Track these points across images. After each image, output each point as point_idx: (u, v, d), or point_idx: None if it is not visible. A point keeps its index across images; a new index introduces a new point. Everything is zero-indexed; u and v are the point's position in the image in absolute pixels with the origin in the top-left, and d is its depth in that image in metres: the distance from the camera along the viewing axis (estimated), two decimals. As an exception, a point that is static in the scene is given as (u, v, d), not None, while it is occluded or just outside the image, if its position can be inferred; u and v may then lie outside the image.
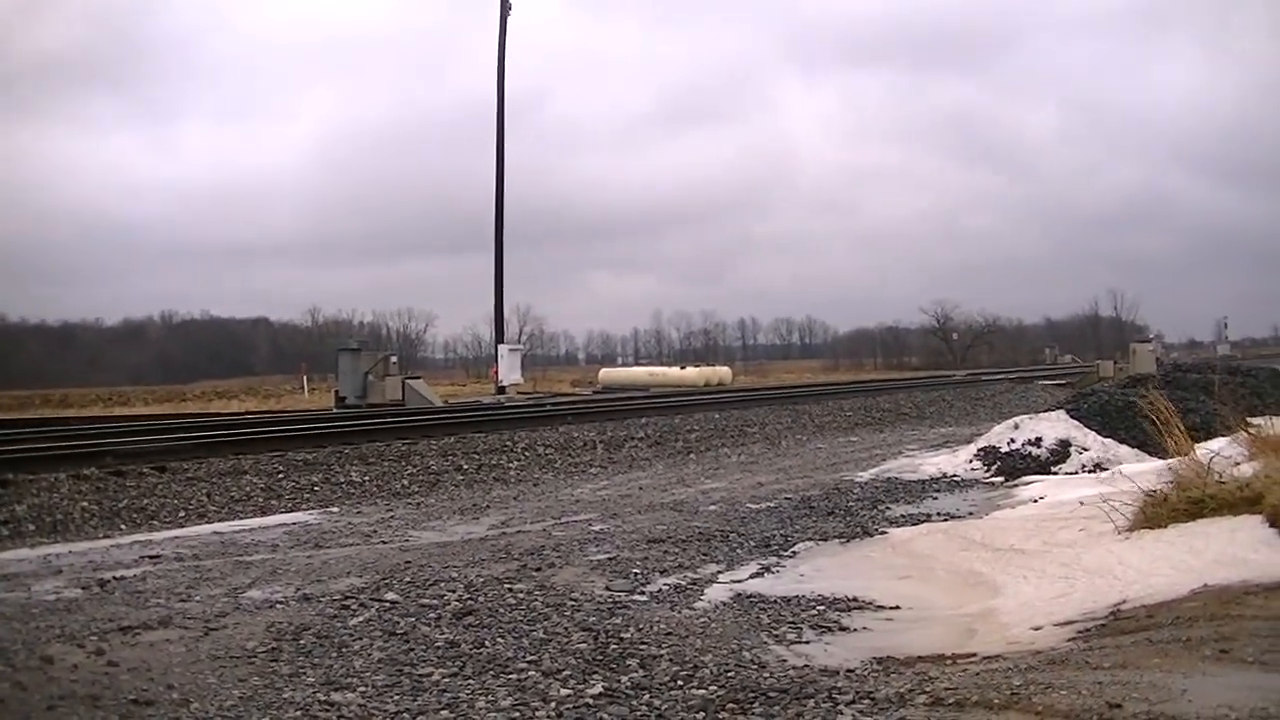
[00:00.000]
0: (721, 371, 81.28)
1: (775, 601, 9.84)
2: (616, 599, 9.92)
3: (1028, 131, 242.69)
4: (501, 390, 46.66)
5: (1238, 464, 12.28)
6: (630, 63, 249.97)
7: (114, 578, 11.28)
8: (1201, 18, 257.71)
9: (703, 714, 6.65)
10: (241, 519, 16.21)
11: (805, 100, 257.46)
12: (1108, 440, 20.05)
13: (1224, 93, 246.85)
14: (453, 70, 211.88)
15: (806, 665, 7.74)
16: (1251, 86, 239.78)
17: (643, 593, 10.26)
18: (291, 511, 16.91)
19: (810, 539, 13.10)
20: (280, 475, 18.91)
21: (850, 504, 16.04)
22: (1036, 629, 8.30)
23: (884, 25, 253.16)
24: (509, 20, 43.97)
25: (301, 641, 8.44)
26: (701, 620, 9.13)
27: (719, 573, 11.22)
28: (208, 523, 15.86)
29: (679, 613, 9.41)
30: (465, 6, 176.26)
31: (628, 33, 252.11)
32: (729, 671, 7.49)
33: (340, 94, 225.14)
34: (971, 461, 20.19)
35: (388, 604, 9.72)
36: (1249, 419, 15.43)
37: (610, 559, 11.89)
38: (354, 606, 9.64)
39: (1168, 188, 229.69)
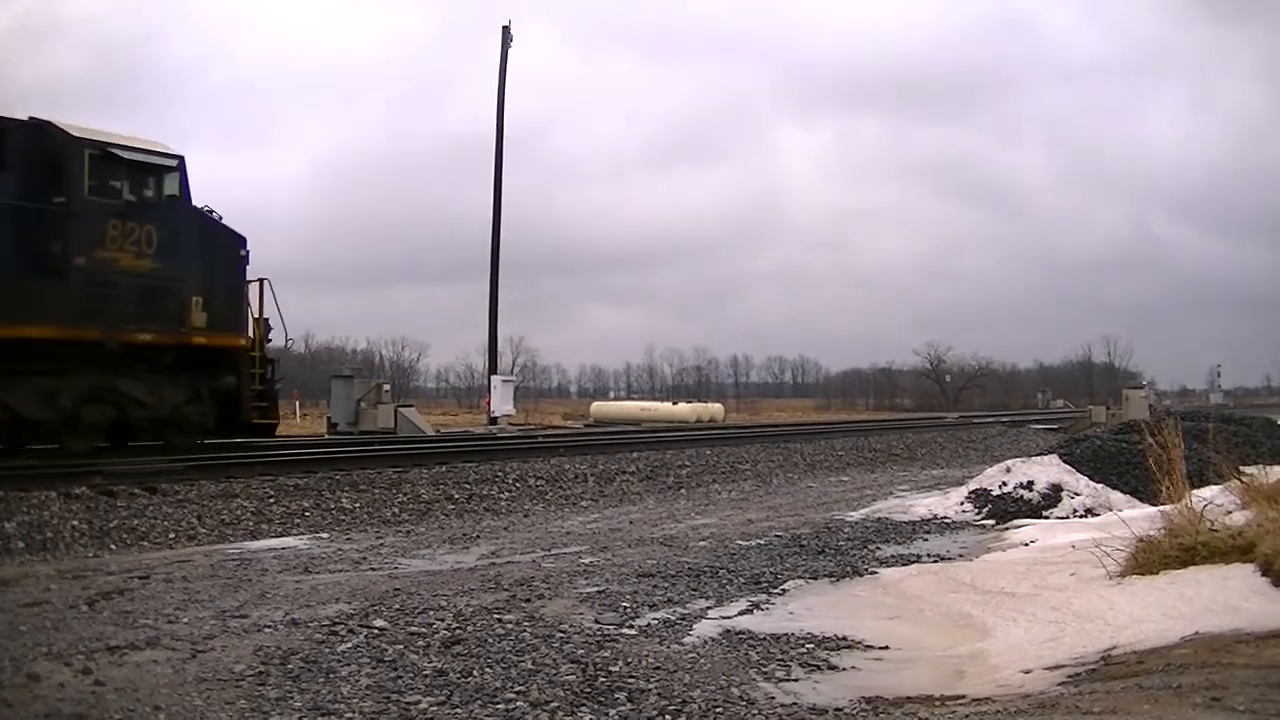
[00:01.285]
0: (714, 408, 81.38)
1: (764, 639, 9.81)
2: (605, 632, 9.89)
3: (1019, 176, 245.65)
4: (493, 421, 46.65)
5: (1230, 512, 12.29)
6: (626, 99, 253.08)
7: (102, 597, 11.26)
8: (1190, 69, 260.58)
9: (691, 749, 6.64)
10: (231, 542, 16.21)
11: (799, 139, 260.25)
12: (1100, 485, 20.04)
13: (1212, 142, 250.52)
14: (448, 102, 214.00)
15: (795, 703, 7.72)
16: (1240, 137, 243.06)
17: (632, 626, 10.23)
18: (281, 536, 16.89)
19: (800, 577, 13.07)
20: (271, 499, 18.87)
21: (841, 543, 16.02)
22: (1026, 672, 8.28)
23: (877, 68, 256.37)
24: (509, 53, 44.03)
25: (289, 666, 8.41)
26: (690, 655, 9.10)
27: (708, 608, 11.19)
28: (197, 545, 15.85)
29: (668, 647, 9.38)
30: (461, 41, 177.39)
31: (624, 70, 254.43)
32: (717, 708, 7.47)
33: (337, 123, 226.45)
34: (963, 504, 20.17)
35: (376, 631, 9.69)
36: (1242, 467, 15.43)
37: (600, 592, 11.86)
38: (342, 632, 9.62)
39: (1159, 235, 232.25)
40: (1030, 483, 20.24)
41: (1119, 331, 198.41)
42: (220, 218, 24.77)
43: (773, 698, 7.86)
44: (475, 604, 10.96)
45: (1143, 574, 10.74)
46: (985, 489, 20.55)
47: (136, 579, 12.47)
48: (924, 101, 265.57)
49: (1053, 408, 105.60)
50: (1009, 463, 22.26)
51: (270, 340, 26.19)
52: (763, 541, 16.10)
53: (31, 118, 21.98)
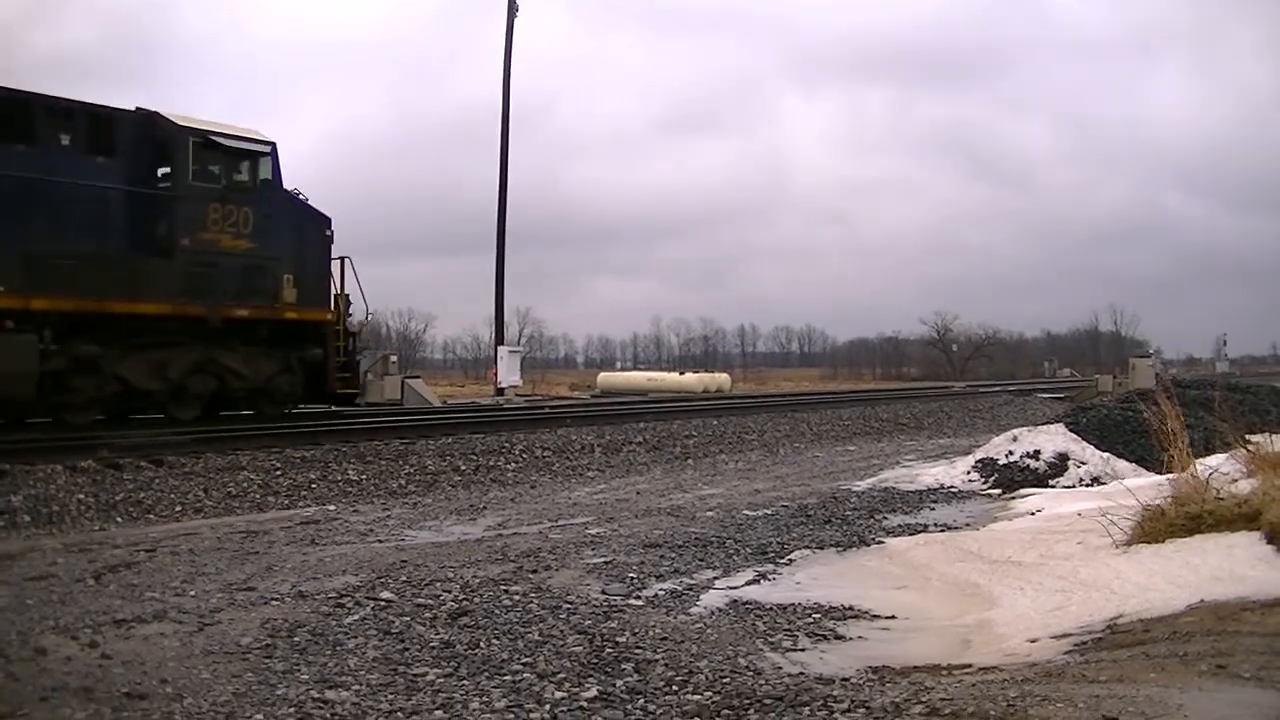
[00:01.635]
0: (720, 378, 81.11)
1: (771, 609, 9.82)
2: (612, 603, 9.89)
3: (1025, 148, 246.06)
4: (500, 392, 46.53)
5: (1236, 480, 12.25)
6: (632, 74, 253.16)
7: (109, 570, 11.27)
8: (1195, 42, 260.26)
9: (697, 719, 6.64)
10: (238, 514, 16.21)
11: (805, 112, 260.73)
12: (1106, 454, 20.04)
13: (1217, 114, 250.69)
14: (455, 76, 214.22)
15: (802, 673, 7.72)
16: (1243, 109, 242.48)
17: (639, 597, 10.24)
18: (288, 508, 16.90)
19: (807, 547, 13.07)
20: (277, 472, 18.88)
21: (847, 513, 16.02)
22: (1033, 641, 8.28)
23: (883, 42, 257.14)
24: (515, 23, 43.92)
25: (296, 638, 8.42)
26: (697, 626, 9.11)
27: (715, 579, 11.20)
28: (204, 518, 15.84)
29: (675, 618, 9.39)
30: (467, 14, 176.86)
31: (632, 44, 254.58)
32: (724, 678, 7.47)
33: (344, 95, 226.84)
34: (969, 473, 20.16)
35: (383, 603, 9.70)
36: (1248, 436, 15.40)
37: (607, 563, 11.87)
38: (349, 605, 9.62)
39: (1164, 205, 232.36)
40: (1037, 452, 20.24)
41: (1126, 301, 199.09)
42: (306, 199, 26.57)
43: (779, 668, 7.86)
44: (482, 575, 10.96)
45: (1149, 542, 10.73)
46: (992, 458, 20.54)
47: (143, 552, 12.47)
48: (929, 75, 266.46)
49: (1059, 377, 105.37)
50: (1015, 432, 22.26)
51: (351, 315, 27.97)
52: (769, 511, 16.10)
53: (138, 108, 23.91)
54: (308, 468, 19.45)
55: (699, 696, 7.05)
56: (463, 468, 21.35)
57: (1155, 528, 10.91)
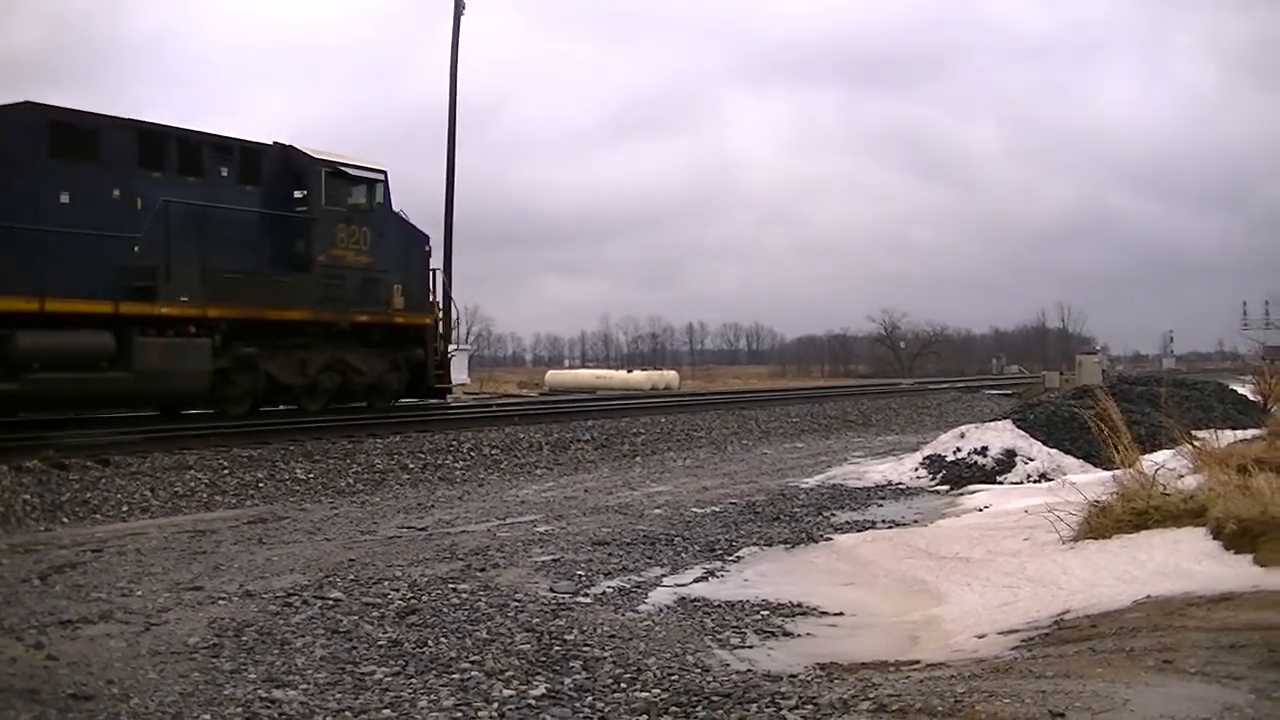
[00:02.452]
0: (669, 375, 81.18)
1: (719, 606, 9.85)
2: (560, 600, 9.91)
3: (970, 148, 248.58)
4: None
5: (1182, 476, 12.34)
6: (582, 76, 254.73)
7: (55, 570, 11.22)
8: (1137, 45, 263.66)
9: (645, 716, 6.64)
10: (185, 514, 16.14)
11: (753, 113, 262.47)
12: (1053, 450, 20.13)
13: (1161, 115, 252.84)
14: (406, 76, 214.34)
15: (750, 670, 7.74)
16: (1188, 111, 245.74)
17: (587, 595, 10.26)
18: (235, 508, 16.83)
19: (755, 544, 13.11)
20: (225, 471, 18.78)
21: (795, 510, 16.07)
22: (980, 637, 8.32)
23: (829, 44, 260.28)
24: (462, 22, 43.92)
25: (243, 638, 8.40)
26: (645, 623, 9.13)
27: (663, 576, 11.23)
28: (151, 517, 15.77)
29: (623, 615, 9.41)
30: (419, 16, 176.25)
31: (582, 47, 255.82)
32: (672, 675, 7.48)
33: (295, 97, 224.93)
34: (917, 469, 20.25)
35: (330, 602, 9.69)
36: (1194, 432, 15.51)
37: (555, 560, 11.89)
38: (297, 604, 9.61)
39: (1110, 205, 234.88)
40: (984, 448, 20.33)
41: (1073, 298, 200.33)
42: (408, 219, 30.38)
43: (727, 664, 7.88)
44: (430, 574, 10.97)
45: (1096, 538, 10.81)
46: (940, 455, 20.63)
47: (89, 552, 12.42)
48: (874, 78, 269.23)
49: (1007, 373, 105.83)
50: (963, 428, 22.35)
51: (441, 318, 31.56)
52: (718, 509, 16.14)
53: (276, 141, 27.69)
54: (255, 467, 19.37)
55: (647, 694, 7.06)
56: (410, 466, 21.31)
57: (1102, 524, 10.99)
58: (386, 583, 10.50)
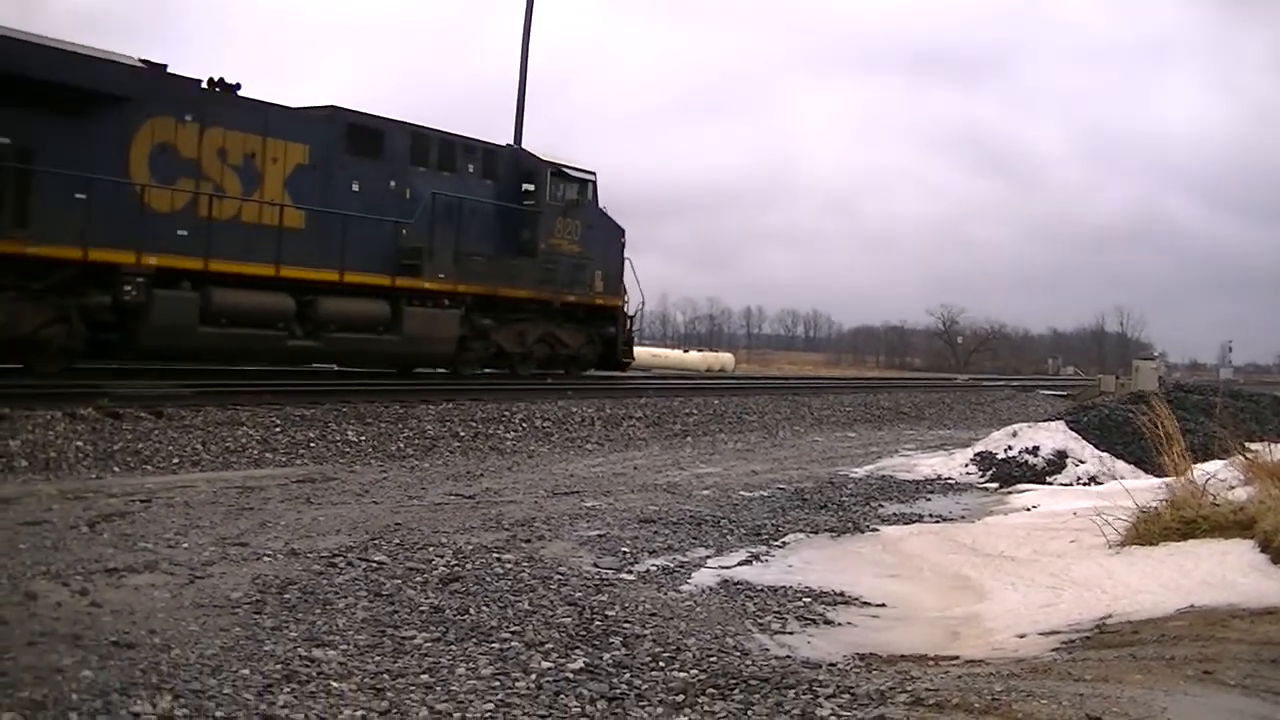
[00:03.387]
0: (724, 357, 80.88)
1: (762, 590, 9.83)
2: (604, 576, 9.91)
3: (1033, 146, 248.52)
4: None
5: (1233, 487, 12.26)
6: (648, 56, 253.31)
7: (103, 519, 11.28)
8: (1204, 53, 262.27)
9: (682, 696, 6.64)
10: (235, 469, 16.23)
11: (816, 102, 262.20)
12: (1104, 454, 20.03)
13: (1228, 125, 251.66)
14: (471, 52, 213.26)
15: (789, 656, 7.73)
16: (1254, 121, 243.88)
17: (630, 572, 10.26)
18: (286, 466, 16.92)
19: (801, 531, 13.09)
20: (277, 429, 18.88)
21: (843, 499, 16.03)
22: (1021, 636, 8.29)
23: (894, 37, 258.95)
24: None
25: (286, 596, 8.43)
26: (687, 603, 9.13)
27: (708, 557, 11.22)
28: (201, 471, 15.87)
29: (665, 594, 9.41)
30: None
31: (647, 28, 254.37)
32: (711, 656, 7.48)
33: (358, 65, 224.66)
34: (967, 465, 20.17)
35: (375, 565, 9.71)
36: (1247, 443, 15.39)
37: (600, 536, 11.88)
38: (341, 565, 9.64)
39: (1172, 210, 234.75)
40: (1036, 448, 20.23)
41: (1133, 303, 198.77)
42: (609, 213, 35.62)
43: (767, 649, 7.87)
44: (475, 542, 10.98)
45: (1143, 544, 10.76)
46: (990, 452, 20.55)
47: (138, 502, 12.48)
48: (938, 72, 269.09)
49: (1063, 374, 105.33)
50: (1015, 427, 22.24)
51: (628, 301, 36.29)
52: (765, 493, 16.12)
53: (508, 144, 34.50)
54: (307, 426, 19.45)
55: (685, 674, 7.06)
56: (462, 434, 21.36)
57: (1150, 530, 10.93)
58: (431, 549, 10.52)
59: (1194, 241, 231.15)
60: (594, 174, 34.45)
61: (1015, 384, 60.32)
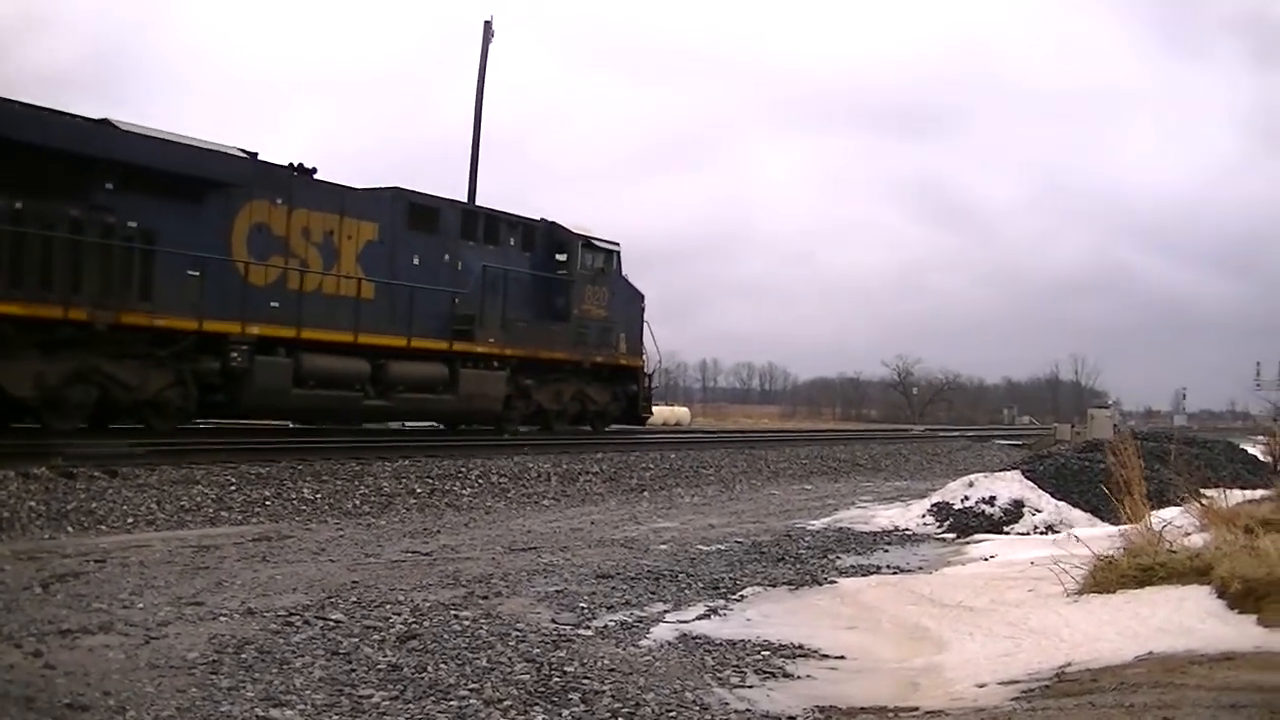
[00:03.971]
0: (679, 411, 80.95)
1: (720, 644, 9.81)
2: (562, 632, 9.89)
3: (987, 198, 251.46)
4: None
5: (1189, 534, 12.33)
6: (605, 114, 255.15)
7: (57, 579, 11.22)
8: (1155, 104, 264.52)
9: (642, 752, 6.62)
10: (190, 528, 16.15)
11: (774, 156, 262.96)
12: (1061, 503, 20.07)
13: (1177, 176, 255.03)
14: (435, 105, 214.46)
15: (749, 710, 7.72)
16: (1203, 172, 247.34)
17: (588, 627, 10.23)
18: (241, 524, 16.84)
19: (759, 584, 13.07)
20: (232, 487, 18.77)
21: (801, 551, 16.03)
22: (980, 686, 8.29)
23: (850, 92, 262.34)
24: (490, 50, 44.16)
25: (243, 655, 8.39)
26: (646, 658, 9.10)
27: (666, 612, 11.19)
28: (156, 530, 15.78)
29: (624, 649, 9.38)
30: (452, 47, 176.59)
31: (606, 85, 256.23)
32: (670, 711, 7.46)
33: (324, 120, 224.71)
34: (924, 516, 20.20)
35: (331, 623, 9.68)
36: (1202, 490, 15.47)
37: (558, 592, 11.86)
38: (298, 623, 9.60)
39: (1126, 260, 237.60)
40: (992, 498, 20.28)
41: (1087, 351, 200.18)
42: (630, 280, 38.91)
43: (726, 703, 7.85)
44: (433, 599, 10.96)
45: (1100, 592, 10.78)
46: (947, 502, 20.59)
47: (92, 562, 12.42)
48: (894, 127, 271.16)
49: (1018, 424, 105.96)
50: (972, 477, 22.30)
51: (647, 360, 39.74)
52: (723, 547, 16.11)
53: (543, 219, 35.88)
54: (262, 484, 19.37)
55: (645, 729, 7.04)
56: (418, 490, 21.30)
57: (1107, 578, 10.96)
58: (389, 606, 10.50)
59: (1147, 290, 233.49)
60: (618, 245, 37.83)
61: (971, 434, 60.63)
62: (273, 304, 25.90)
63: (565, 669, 8.46)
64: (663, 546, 15.97)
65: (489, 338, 31.83)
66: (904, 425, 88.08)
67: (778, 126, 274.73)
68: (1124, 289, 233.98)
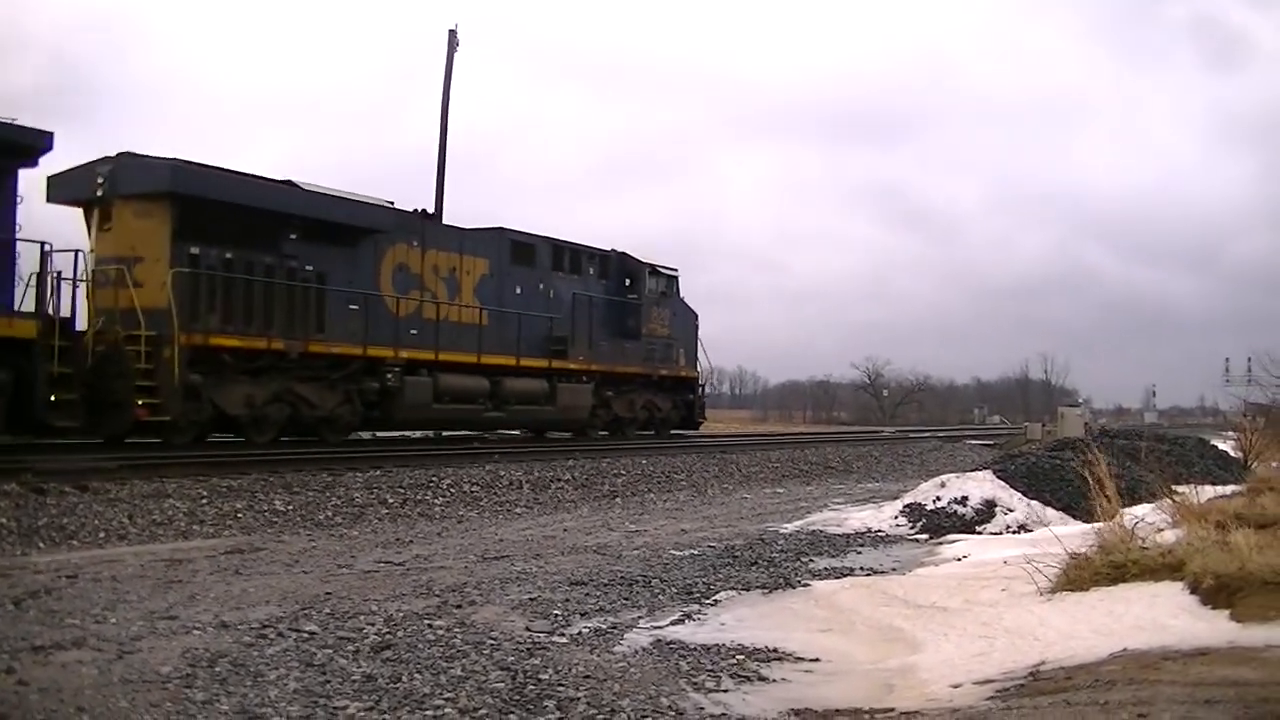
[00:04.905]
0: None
1: (695, 649, 9.81)
2: (536, 640, 9.88)
3: (949, 202, 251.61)
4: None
5: (1161, 530, 12.37)
6: (572, 128, 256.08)
7: (29, 595, 11.18)
8: (1110, 109, 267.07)
9: (618, 758, 6.61)
10: (162, 542, 16.08)
11: (739, 166, 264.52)
12: (1034, 502, 20.09)
13: (1132, 175, 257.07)
14: (404, 123, 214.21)
15: (724, 714, 7.72)
16: (1157, 171, 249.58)
17: (563, 634, 10.23)
18: (213, 537, 16.77)
19: (732, 588, 13.08)
20: (203, 500, 18.71)
21: (774, 555, 16.03)
22: (955, 686, 8.30)
23: (812, 104, 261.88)
24: (455, 58, 44.23)
25: (217, 669, 8.36)
26: (620, 665, 9.09)
27: (640, 618, 11.19)
28: (128, 544, 15.72)
29: (598, 656, 9.37)
30: (420, 65, 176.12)
31: (573, 99, 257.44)
32: (646, 717, 7.47)
33: (293, 141, 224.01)
34: (897, 518, 20.22)
35: (306, 635, 9.65)
36: (1174, 486, 15.52)
37: (532, 599, 11.85)
38: (271, 636, 9.58)
39: (1089, 260, 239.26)
40: (964, 498, 20.31)
41: (1056, 350, 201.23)
42: (687, 301, 43.96)
43: (702, 708, 7.85)
44: (406, 609, 10.94)
45: (1074, 590, 10.81)
46: (919, 503, 20.61)
47: (64, 578, 12.37)
48: (855, 135, 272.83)
49: (989, 424, 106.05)
50: (944, 477, 22.34)
51: (701, 372, 45.34)
52: (696, 552, 16.11)
53: (613, 249, 40.49)
54: (234, 497, 19.31)
55: (621, 735, 7.03)
56: (390, 501, 21.26)
57: (1080, 576, 10.99)
58: (362, 617, 10.48)
59: (1111, 289, 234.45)
60: (677, 270, 43.02)
61: (942, 435, 60.84)
62: (412, 331, 30.85)
63: (540, 676, 8.45)
64: (635, 552, 15.96)
65: (579, 356, 36.86)
66: (875, 427, 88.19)
67: (744, 137, 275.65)
68: (1088, 288, 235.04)
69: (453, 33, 43.49)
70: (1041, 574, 11.32)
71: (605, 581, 13.15)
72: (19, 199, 21.95)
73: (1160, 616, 9.31)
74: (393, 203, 30.83)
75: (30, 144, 22.14)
